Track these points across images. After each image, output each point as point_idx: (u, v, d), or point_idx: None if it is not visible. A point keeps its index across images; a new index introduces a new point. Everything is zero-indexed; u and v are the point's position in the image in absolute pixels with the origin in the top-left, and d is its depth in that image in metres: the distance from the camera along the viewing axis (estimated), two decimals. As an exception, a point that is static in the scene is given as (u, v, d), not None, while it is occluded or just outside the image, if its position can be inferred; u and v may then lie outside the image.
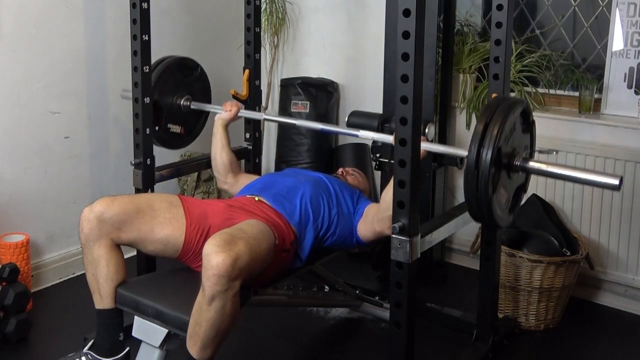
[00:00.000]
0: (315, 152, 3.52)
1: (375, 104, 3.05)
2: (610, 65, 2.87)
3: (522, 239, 2.75)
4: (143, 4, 2.54)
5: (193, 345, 1.89)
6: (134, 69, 2.60)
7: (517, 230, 2.80)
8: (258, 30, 2.99)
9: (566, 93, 3.08)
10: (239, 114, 2.75)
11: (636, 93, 2.83)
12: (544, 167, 1.91)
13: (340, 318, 2.82)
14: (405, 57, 1.74)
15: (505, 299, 2.76)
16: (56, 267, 3.08)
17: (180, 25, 3.48)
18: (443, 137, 3.09)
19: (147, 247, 2.14)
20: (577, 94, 2.97)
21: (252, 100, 2.97)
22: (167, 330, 2.00)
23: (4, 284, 2.55)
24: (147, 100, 2.62)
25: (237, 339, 2.48)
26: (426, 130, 2.38)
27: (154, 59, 2.65)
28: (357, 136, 2.37)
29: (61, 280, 3.09)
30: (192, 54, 3.45)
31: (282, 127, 3.62)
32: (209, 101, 2.97)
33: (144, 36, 2.57)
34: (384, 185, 3.03)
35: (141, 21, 2.55)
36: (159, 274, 2.45)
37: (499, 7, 2.24)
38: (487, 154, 1.80)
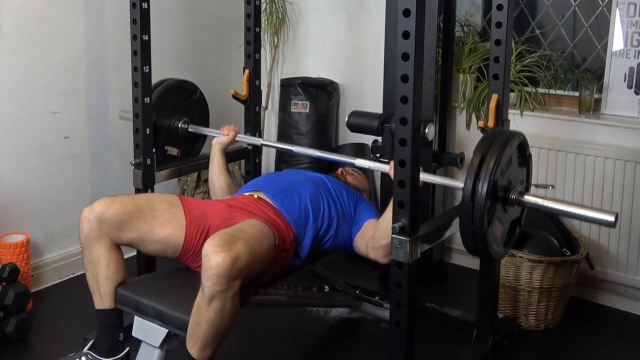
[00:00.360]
0: (315, 152, 3.52)
1: (375, 104, 3.05)
2: (610, 65, 2.87)
3: (522, 239, 2.75)
4: (143, 4, 2.54)
5: (193, 345, 1.89)
6: (134, 69, 2.60)
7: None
8: (258, 30, 2.99)
9: (566, 93, 3.07)
10: (237, 139, 2.74)
11: (636, 93, 2.83)
12: (540, 201, 1.91)
13: (340, 318, 2.82)
14: (405, 57, 1.73)
15: (505, 299, 2.76)
16: (56, 267, 3.08)
17: (180, 25, 3.48)
18: (443, 137, 3.09)
19: (147, 247, 2.14)
20: (577, 94, 2.97)
21: (252, 100, 2.97)
22: (167, 330, 2.00)
23: (4, 284, 2.56)
24: (147, 100, 2.62)
25: (237, 339, 2.48)
26: (426, 130, 2.38)
27: (154, 59, 2.65)
28: (353, 165, 2.38)
29: (61, 280, 3.09)
30: (192, 54, 3.46)
31: (282, 127, 3.62)
32: (206, 124, 2.97)
33: (144, 36, 2.57)
34: (384, 185, 3.03)
35: (141, 21, 2.55)
36: (159, 274, 2.45)
37: (499, 7, 2.25)
38: (482, 187, 1.80)
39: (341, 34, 3.61)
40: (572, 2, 3.05)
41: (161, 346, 2.03)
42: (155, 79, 2.70)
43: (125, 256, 2.16)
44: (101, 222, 2.06)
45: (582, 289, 2.93)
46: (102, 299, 2.10)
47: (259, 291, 2.13)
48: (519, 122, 2.98)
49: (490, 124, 2.28)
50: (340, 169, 2.75)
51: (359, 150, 3.47)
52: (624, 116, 2.85)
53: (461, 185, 1.88)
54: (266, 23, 3.62)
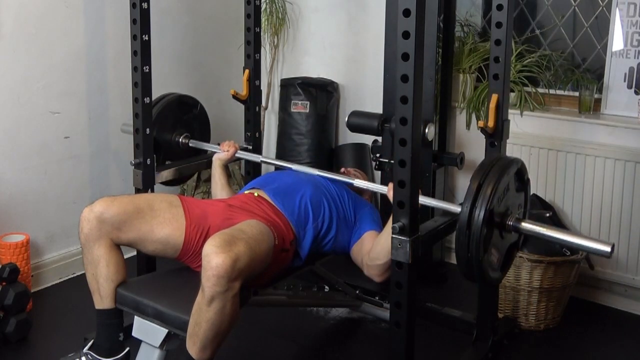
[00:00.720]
0: (315, 152, 3.52)
1: (375, 104, 3.05)
2: (610, 65, 2.87)
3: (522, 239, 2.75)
4: (143, 4, 2.54)
5: (193, 346, 1.89)
6: (134, 69, 2.60)
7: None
8: (258, 30, 2.99)
9: (566, 93, 3.08)
10: (237, 155, 2.74)
11: (636, 93, 2.83)
12: (536, 228, 1.91)
13: (340, 318, 2.82)
14: (405, 57, 1.74)
15: (505, 299, 2.76)
16: (56, 267, 3.08)
17: (180, 25, 3.48)
18: (443, 137, 3.09)
19: (146, 247, 2.14)
20: (577, 94, 2.97)
21: (252, 100, 2.97)
22: (167, 330, 2.00)
23: (4, 284, 2.56)
24: (147, 100, 2.62)
25: (237, 339, 2.48)
26: (426, 130, 2.38)
27: (154, 59, 2.65)
28: (352, 184, 2.39)
29: (61, 280, 3.09)
30: (192, 54, 3.46)
31: (282, 127, 3.62)
32: (207, 140, 2.97)
33: (144, 36, 2.57)
34: (383, 185, 3.03)
35: (141, 21, 2.55)
36: (159, 274, 2.45)
37: (499, 7, 2.24)
38: (479, 215, 1.80)
39: (341, 34, 3.61)
40: (572, 2, 3.05)
41: (161, 346, 2.03)
42: (155, 80, 2.69)
43: (125, 256, 2.16)
44: (101, 222, 2.06)
45: (582, 289, 2.93)
46: (102, 299, 2.10)
47: (259, 291, 2.13)
48: (519, 122, 2.99)
49: (490, 124, 2.28)
50: (342, 169, 2.75)
51: (359, 150, 3.47)
52: (624, 116, 2.85)
53: (458, 209, 1.89)
54: (266, 23, 3.62)
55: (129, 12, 2.56)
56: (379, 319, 2.76)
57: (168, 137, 2.82)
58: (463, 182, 3.24)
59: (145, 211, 2.10)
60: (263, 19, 3.48)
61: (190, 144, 2.86)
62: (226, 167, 2.73)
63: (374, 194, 3.16)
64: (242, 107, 3.00)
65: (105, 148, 3.24)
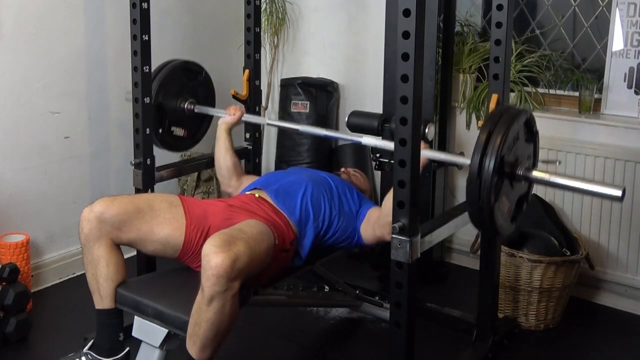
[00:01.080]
0: (315, 152, 3.52)
1: (375, 104, 3.05)
2: (610, 65, 2.87)
3: (522, 239, 2.75)
4: (143, 4, 2.54)
5: (193, 346, 1.89)
6: (134, 69, 2.60)
7: (517, 230, 2.80)
8: (258, 30, 2.99)
9: (566, 93, 3.07)
10: (243, 119, 2.75)
11: (636, 93, 2.83)
12: (546, 176, 1.91)
13: (340, 318, 2.82)
14: (405, 57, 1.73)
15: (505, 299, 2.76)
16: (56, 267, 3.08)
17: (181, 26, 3.48)
18: (443, 137, 3.09)
19: (146, 247, 2.14)
20: (577, 94, 2.97)
21: (252, 100, 2.97)
22: (167, 330, 2.00)
23: (4, 284, 2.56)
24: (147, 100, 2.62)
25: (237, 339, 2.48)
26: (426, 130, 2.38)
27: (154, 59, 2.65)
28: (359, 142, 2.38)
29: (61, 280, 3.09)
30: (192, 54, 3.44)
31: (282, 127, 3.62)
32: (212, 105, 2.96)
33: (144, 36, 2.57)
34: (384, 185, 3.03)
35: (141, 21, 2.55)
36: (159, 274, 2.45)
37: (499, 7, 2.24)
38: (489, 163, 1.79)
39: (341, 34, 3.61)
40: (572, 2, 3.05)
41: (161, 346, 2.03)
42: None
43: (125, 256, 2.16)
44: (101, 222, 2.06)
45: (582, 289, 2.93)
46: (102, 299, 2.10)
47: (259, 291, 2.13)
48: (519, 122, 2.98)
49: (490, 123, 2.28)
50: (342, 169, 2.75)
51: (359, 150, 3.46)
52: (624, 116, 2.85)
53: (468, 161, 1.88)
54: (266, 23, 3.62)
55: (129, 12, 2.56)
56: (379, 319, 2.76)
57: (173, 104, 2.80)
58: (463, 182, 3.22)
59: (146, 211, 2.10)
60: (263, 19, 3.48)
61: (196, 110, 2.84)
62: (230, 132, 2.73)
63: (373, 193, 3.16)
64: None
65: (105, 148, 3.24)
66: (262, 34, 3.18)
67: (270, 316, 2.76)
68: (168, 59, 2.81)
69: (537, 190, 2.95)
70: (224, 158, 2.67)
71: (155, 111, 2.69)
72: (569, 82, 3.06)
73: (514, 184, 1.93)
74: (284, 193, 2.31)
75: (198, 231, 2.13)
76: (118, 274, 2.10)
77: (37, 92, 2.93)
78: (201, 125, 2.96)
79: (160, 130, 2.75)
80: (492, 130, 1.83)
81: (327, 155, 3.57)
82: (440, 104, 3.06)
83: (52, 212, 3.05)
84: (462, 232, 3.02)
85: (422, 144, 2.09)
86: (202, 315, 1.84)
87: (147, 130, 2.64)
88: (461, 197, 3.12)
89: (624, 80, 2.85)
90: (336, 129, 3.67)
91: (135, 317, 2.06)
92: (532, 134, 2.01)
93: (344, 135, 2.58)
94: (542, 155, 2.91)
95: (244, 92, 2.96)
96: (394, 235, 1.84)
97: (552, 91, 3.08)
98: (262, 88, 3.19)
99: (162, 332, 2.01)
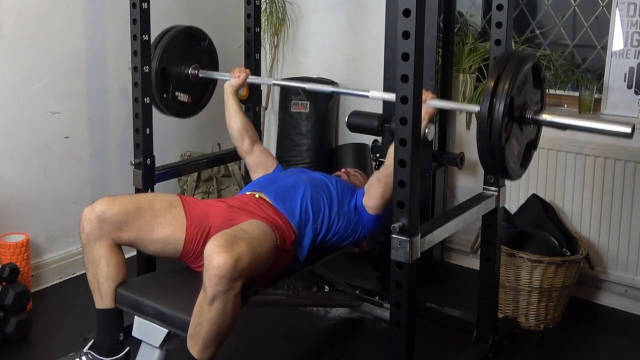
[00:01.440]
0: (315, 152, 3.52)
1: (375, 104, 3.05)
2: (610, 65, 2.87)
3: (522, 239, 2.75)
4: (143, 4, 2.54)
5: (194, 345, 1.89)
6: (134, 69, 2.60)
7: (517, 230, 2.80)
8: (258, 30, 2.99)
9: (566, 93, 3.08)
10: (248, 80, 2.75)
11: (636, 93, 2.83)
12: (556, 119, 1.92)
13: (340, 318, 2.82)
14: (405, 57, 1.74)
15: (505, 299, 2.76)
16: (56, 267, 3.08)
17: (180, 25, 3.48)
18: (443, 137, 3.09)
19: (147, 247, 2.14)
20: (577, 94, 2.97)
21: (252, 100, 2.97)
22: (167, 330, 2.00)
23: (4, 284, 2.56)
24: (147, 100, 2.62)
25: (237, 339, 2.48)
26: (426, 130, 2.38)
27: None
28: (367, 97, 2.38)
29: (61, 280, 3.09)
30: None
31: (282, 127, 3.62)
32: (216, 70, 2.95)
33: (144, 36, 2.57)
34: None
35: (141, 21, 2.55)
36: (159, 274, 2.45)
37: (499, 7, 2.24)
38: (500, 104, 1.80)
39: (341, 34, 3.61)
40: (572, 2, 3.05)
41: (161, 346, 2.03)
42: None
43: (126, 256, 2.15)
44: (102, 222, 2.06)
45: (582, 289, 2.93)
46: (103, 299, 2.10)
47: (259, 291, 2.13)
48: (519, 122, 2.98)
49: (491, 123, 2.28)
50: (342, 169, 2.75)
51: (359, 150, 3.47)
52: (624, 116, 2.85)
53: (477, 108, 1.89)
54: (266, 23, 3.62)
55: (129, 12, 2.56)
56: (379, 319, 2.77)
57: (177, 69, 2.79)
58: (463, 182, 3.24)
59: (146, 211, 2.10)
60: (263, 19, 3.48)
61: (200, 75, 2.83)
62: (237, 94, 2.74)
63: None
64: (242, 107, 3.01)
65: (105, 148, 3.24)
66: (262, 34, 3.18)
67: (270, 316, 2.76)
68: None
69: (537, 190, 2.96)
70: (234, 120, 2.68)
71: (159, 77, 2.68)
72: (569, 82, 3.06)
73: (524, 127, 1.94)
74: (283, 195, 2.31)
75: (199, 232, 2.13)
76: (118, 274, 2.10)
77: (37, 92, 2.93)
78: (205, 91, 2.94)
79: (165, 96, 2.74)
80: (501, 72, 1.84)
81: (327, 155, 3.57)
82: (440, 104, 3.06)
83: (52, 212, 3.05)
84: (462, 232, 3.02)
85: (430, 93, 2.09)
86: (204, 315, 1.84)
87: (147, 130, 2.63)
88: (461, 197, 3.12)
89: (624, 80, 2.85)
90: (336, 128, 3.67)
91: (135, 317, 2.06)
92: (539, 80, 2.01)
93: (351, 90, 2.66)
94: (542, 154, 2.93)
95: (244, 92, 2.95)
96: (393, 236, 1.84)
97: (552, 91, 3.08)
98: (262, 88, 3.19)
99: (162, 332, 2.01)
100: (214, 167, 3.37)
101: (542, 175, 2.96)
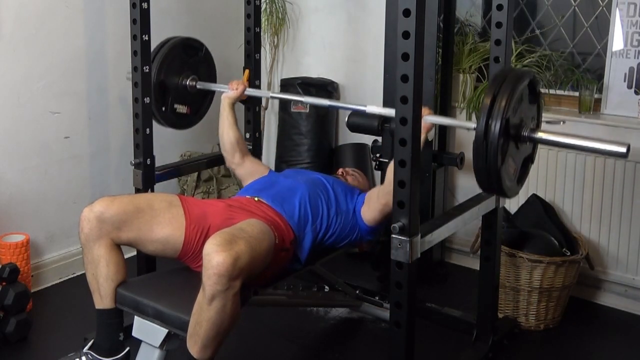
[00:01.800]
0: (315, 152, 3.52)
1: (375, 104, 3.04)
2: (610, 65, 2.87)
3: (522, 239, 2.75)
4: (143, 4, 2.54)
5: (193, 345, 1.89)
6: (134, 69, 2.60)
7: (517, 230, 2.80)
8: (258, 30, 2.99)
9: (566, 93, 3.07)
10: (246, 93, 2.76)
11: (636, 93, 2.83)
12: (551, 137, 1.92)
13: (340, 318, 2.82)
14: (405, 57, 1.74)
15: (505, 299, 2.76)
16: (56, 267, 3.08)
17: (181, 26, 3.47)
18: (443, 137, 3.09)
19: (146, 247, 2.14)
20: (577, 94, 2.97)
21: (252, 100, 2.97)
22: (167, 330, 2.00)
23: (4, 284, 2.55)
24: (147, 100, 2.62)
25: (237, 339, 2.48)
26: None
27: (154, 59, 2.66)
28: (364, 112, 2.39)
29: (61, 280, 3.09)
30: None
31: (282, 127, 3.62)
32: (214, 82, 2.95)
33: (144, 36, 2.57)
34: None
35: (141, 21, 2.55)
36: (159, 274, 2.45)
37: (499, 7, 2.24)
38: (495, 125, 1.81)
39: (341, 34, 3.61)
40: (572, 2, 3.05)
41: (161, 346, 2.03)
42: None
43: (125, 256, 2.16)
44: (101, 222, 2.06)
45: (582, 289, 2.93)
46: (102, 299, 2.10)
47: (259, 291, 2.13)
48: (519, 122, 2.98)
49: (491, 123, 2.28)
50: (340, 170, 2.75)
51: (359, 150, 3.47)
52: (624, 116, 2.85)
53: (473, 125, 1.89)
54: (266, 23, 3.62)
55: (129, 12, 2.56)
56: (379, 319, 2.76)
57: (175, 81, 2.80)
58: (463, 182, 3.24)
59: (145, 211, 2.11)
60: (263, 19, 3.48)
61: (198, 86, 2.84)
62: (233, 106, 2.74)
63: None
64: (242, 107, 3.01)
65: (105, 148, 3.24)
66: (262, 34, 3.18)
67: (270, 316, 2.76)
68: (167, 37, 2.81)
69: (537, 190, 2.96)
70: (227, 133, 2.68)
71: (157, 90, 2.69)
72: (569, 82, 3.06)
73: (520, 145, 1.95)
74: (281, 198, 2.31)
75: (198, 231, 2.13)
76: (118, 274, 2.10)
77: (37, 92, 2.93)
78: (204, 102, 2.95)
79: (164, 108, 2.74)
80: (497, 92, 1.84)
81: (327, 155, 3.57)
82: (440, 104, 3.06)
83: (52, 212, 3.05)
84: (462, 232, 3.02)
85: (426, 109, 2.09)
86: (203, 314, 1.84)
87: (147, 130, 2.63)
88: (461, 197, 3.12)
89: (624, 80, 2.85)
90: (336, 128, 3.67)
91: (135, 317, 2.06)
92: (535, 95, 2.02)
93: (348, 105, 2.64)
94: (542, 154, 2.93)
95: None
96: (393, 236, 1.84)
97: (552, 91, 3.07)
98: (262, 88, 3.18)
99: (162, 332, 2.01)
100: (214, 167, 3.36)
101: (542, 175, 2.96)
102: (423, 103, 1.82)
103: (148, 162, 2.65)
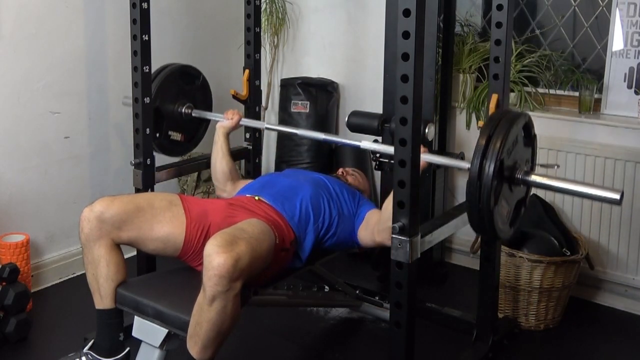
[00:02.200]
0: (315, 152, 3.52)
1: (375, 104, 3.05)
2: (610, 65, 2.87)
3: (522, 239, 2.75)
4: (143, 4, 2.55)
5: (194, 346, 1.89)
6: (134, 69, 2.60)
7: (517, 230, 2.80)
8: (258, 30, 2.99)
9: (566, 93, 3.07)
10: (241, 123, 2.75)
11: (636, 93, 2.83)
12: (545, 180, 1.92)
13: (340, 318, 2.82)
14: (405, 57, 1.74)
15: (505, 299, 2.76)
16: (56, 267, 3.08)
17: (180, 25, 3.48)
18: (443, 137, 3.09)
19: (147, 246, 2.14)
20: (577, 94, 2.97)
21: (252, 100, 2.97)
22: (167, 330, 2.00)
23: (4, 284, 2.56)
24: (147, 100, 2.62)
25: (237, 339, 2.48)
26: (426, 130, 2.38)
27: (154, 59, 2.65)
28: (358, 147, 2.38)
29: (61, 280, 3.09)
30: (192, 54, 3.46)
31: (282, 127, 3.62)
32: (210, 110, 2.97)
33: (144, 36, 2.57)
34: (384, 185, 3.03)
35: (141, 21, 2.55)
36: (159, 274, 2.46)
37: (499, 7, 2.24)
38: (489, 167, 1.81)
39: (341, 34, 3.61)
40: (572, 2, 3.05)
41: (161, 346, 2.03)
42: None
43: (125, 256, 2.16)
44: (101, 222, 2.06)
45: (582, 289, 2.93)
46: (102, 299, 2.10)
47: (259, 291, 2.13)
48: (519, 122, 2.98)
49: (490, 123, 2.28)
50: (340, 170, 2.75)
51: (359, 150, 3.45)
52: (624, 116, 2.85)
53: (467, 165, 1.89)
54: (266, 23, 3.62)
55: (129, 12, 2.56)
56: (379, 319, 2.76)
57: (171, 108, 2.80)
58: (463, 182, 3.22)
59: (146, 210, 2.11)
60: (263, 19, 3.48)
61: (194, 114, 2.85)
62: (228, 136, 2.72)
63: (372, 193, 3.16)
64: (242, 107, 3.01)
65: (105, 148, 3.24)
66: (262, 34, 3.19)
67: (270, 316, 2.76)
68: (167, 62, 2.82)
69: (537, 190, 2.95)
70: (220, 163, 2.65)
71: (152, 116, 2.69)
72: (569, 82, 3.06)
73: (513, 187, 1.94)
74: (282, 197, 2.31)
75: (198, 230, 2.13)
76: (118, 274, 2.10)
77: (37, 92, 2.93)
78: (199, 129, 2.97)
79: (158, 135, 2.75)
80: (492, 134, 1.84)
81: (327, 156, 3.57)
82: (440, 104, 3.07)
83: (52, 212, 3.05)
84: (462, 232, 3.01)
85: (422, 148, 2.10)
86: (204, 315, 1.84)
87: (147, 130, 2.64)
88: (461, 197, 3.12)
89: (624, 80, 2.85)
90: (336, 128, 3.67)
91: (135, 317, 2.06)
92: (530, 138, 2.03)
93: (343, 139, 2.58)
94: (542, 154, 2.93)
95: (244, 92, 2.96)
96: (394, 235, 1.84)
97: (552, 91, 3.08)
98: (262, 88, 3.19)
99: (162, 332, 2.01)
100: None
101: (542, 175, 2.96)
102: (423, 103, 1.82)
103: (148, 162, 2.65)
